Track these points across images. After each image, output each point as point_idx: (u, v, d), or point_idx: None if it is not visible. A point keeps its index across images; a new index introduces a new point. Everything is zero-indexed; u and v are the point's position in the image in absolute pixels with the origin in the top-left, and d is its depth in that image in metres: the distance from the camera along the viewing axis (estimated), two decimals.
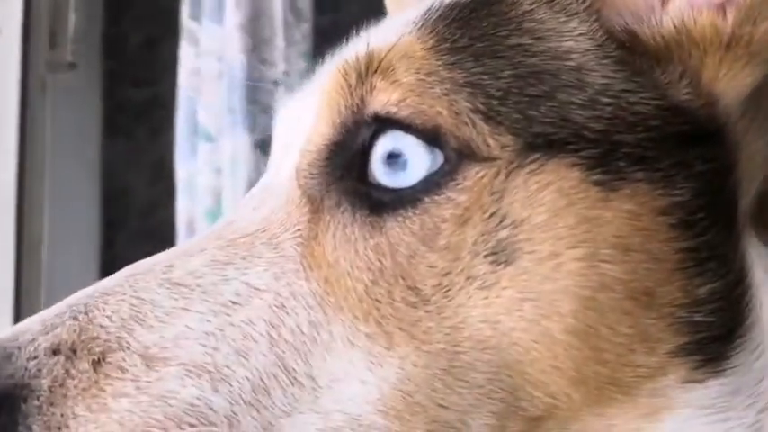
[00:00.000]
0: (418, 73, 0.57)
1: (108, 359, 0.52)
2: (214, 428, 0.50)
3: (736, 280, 0.57)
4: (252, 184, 2.18)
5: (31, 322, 0.54)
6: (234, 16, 2.23)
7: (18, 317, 1.99)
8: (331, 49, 2.38)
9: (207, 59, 2.29)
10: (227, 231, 0.58)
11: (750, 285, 0.58)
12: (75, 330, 0.53)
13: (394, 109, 0.56)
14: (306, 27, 2.25)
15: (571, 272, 0.54)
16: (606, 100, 0.57)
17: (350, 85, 0.58)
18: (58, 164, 2.23)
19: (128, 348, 0.52)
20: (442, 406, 0.53)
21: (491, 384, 0.54)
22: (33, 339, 0.52)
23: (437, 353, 0.54)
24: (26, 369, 0.51)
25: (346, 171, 0.58)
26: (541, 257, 0.54)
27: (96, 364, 0.52)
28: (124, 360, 0.52)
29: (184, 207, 2.31)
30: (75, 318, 0.53)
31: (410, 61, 0.58)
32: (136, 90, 3.07)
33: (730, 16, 0.57)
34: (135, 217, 3.02)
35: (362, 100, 0.57)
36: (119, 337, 0.52)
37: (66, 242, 2.75)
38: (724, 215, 0.58)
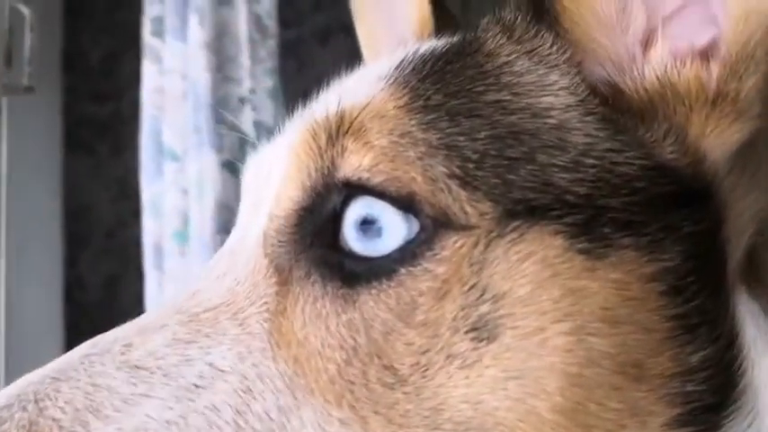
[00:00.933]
0: (391, 134, 0.54)
1: None
2: None
3: (727, 343, 0.55)
4: (219, 204, 2.17)
5: None
6: (198, 34, 2.20)
7: None
8: (295, 65, 2.34)
9: (171, 77, 2.26)
10: (189, 304, 0.54)
11: (741, 347, 0.56)
12: (24, 426, 0.48)
13: (366, 175, 0.53)
14: (271, 44, 2.23)
15: (557, 348, 0.51)
16: (590, 161, 0.54)
17: (320, 147, 0.55)
18: (19, 181, 2.18)
19: None
20: None
21: None
22: None
23: None
24: None
25: (317, 238, 0.54)
26: (525, 333, 0.51)
27: None
28: None
29: (151, 228, 2.28)
30: (24, 409, 0.49)
31: (383, 121, 0.54)
32: (96, 106, 3.03)
33: (715, 71, 0.55)
34: (98, 235, 2.98)
35: (333, 162, 0.54)
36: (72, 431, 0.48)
37: (29, 260, 2.71)
38: (713, 276, 0.56)
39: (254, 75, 2.20)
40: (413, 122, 0.54)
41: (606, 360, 0.51)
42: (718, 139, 0.56)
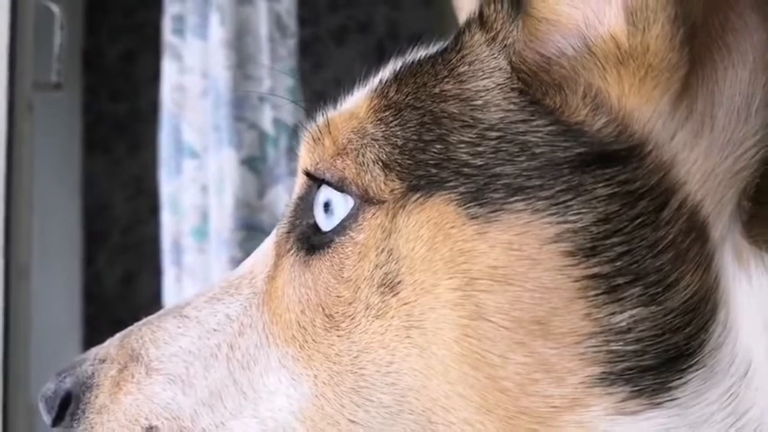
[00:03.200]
0: (351, 132, 0.64)
1: (128, 368, 0.69)
2: (181, 422, 0.65)
3: (685, 304, 0.54)
4: (238, 201, 2.20)
5: (101, 346, 0.72)
6: (219, 32, 2.22)
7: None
8: (311, 64, 2.37)
9: (191, 75, 2.29)
10: (231, 274, 0.72)
11: (716, 306, 0.54)
12: (115, 345, 0.71)
13: (319, 166, 0.65)
14: (291, 43, 2.25)
15: (448, 301, 0.57)
16: (494, 134, 0.58)
17: (310, 147, 0.67)
18: (40, 179, 2.21)
19: (139, 361, 0.69)
20: (352, 421, 0.61)
21: (400, 405, 0.59)
22: (95, 354, 0.71)
23: (344, 372, 0.61)
24: (85, 371, 0.71)
25: (301, 220, 0.67)
26: (422, 288, 0.58)
27: (120, 371, 0.69)
28: (135, 368, 0.68)
29: (169, 224, 2.30)
30: (120, 339, 0.71)
31: (352, 121, 0.64)
32: (114, 104, 3.06)
33: (620, 27, 0.55)
34: (116, 232, 3.00)
35: (317, 160, 0.66)
36: (138, 353, 0.69)
37: (48, 257, 2.73)
38: (668, 237, 0.54)
39: (274, 73, 2.22)
40: (371, 119, 0.63)
41: (499, 315, 0.55)
42: (639, 97, 0.56)
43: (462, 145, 0.59)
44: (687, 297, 0.54)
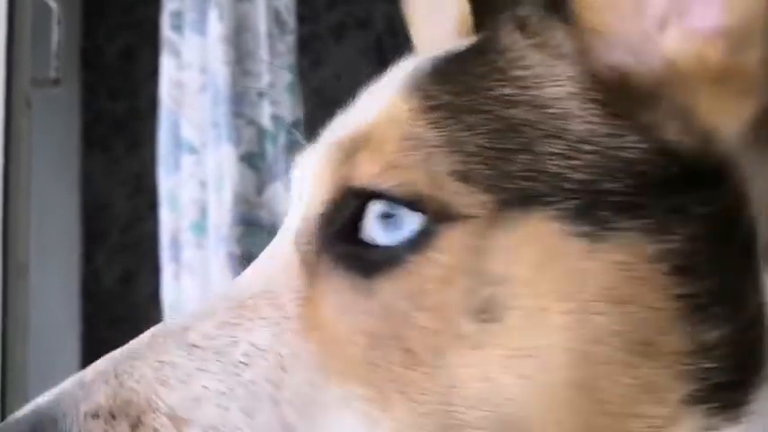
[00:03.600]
0: (401, 138, 0.58)
1: (143, 421, 0.56)
2: None
3: (752, 320, 0.56)
4: (237, 197, 2.19)
5: (73, 388, 0.58)
6: (217, 28, 2.22)
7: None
8: (310, 61, 2.36)
9: (189, 71, 2.28)
10: (235, 293, 0.61)
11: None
12: (110, 395, 0.57)
13: (375, 181, 0.57)
14: (290, 39, 2.25)
15: (560, 327, 0.53)
16: (588, 147, 0.55)
17: (337, 161, 0.60)
18: (38, 176, 2.21)
19: (158, 410, 0.56)
20: None
21: None
22: (76, 405, 0.56)
23: (431, 413, 0.54)
24: None
25: (339, 237, 0.59)
26: (529, 313, 0.53)
27: (135, 427, 0.56)
28: (155, 421, 0.56)
29: (168, 220, 2.30)
30: (107, 382, 0.57)
31: (395, 126, 0.58)
32: (113, 102, 3.05)
33: (719, 45, 0.55)
34: (115, 230, 3.00)
35: (349, 176, 0.59)
36: (148, 399, 0.56)
37: (47, 255, 2.73)
38: (735, 255, 0.56)
39: (273, 69, 2.22)
40: (420, 123, 0.58)
41: (613, 338, 0.53)
42: (726, 117, 0.56)
43: (554, 157, 0.55)
44: (753, 313, 0.56)
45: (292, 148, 2.18)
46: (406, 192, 0.56)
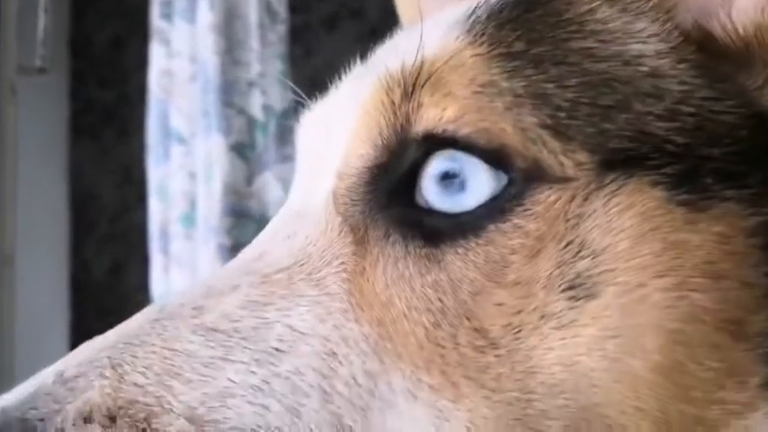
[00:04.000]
0: (473, 84, 0.51)
1: (154, 426, 0.45)
2: None
3: None
4: (227, 187, 2.17)
5: (49, 384, 0.46)
6: (207, 16, 2.19)
7: None
8: (302, 50, 2.34)
9: (179, 60, 2.26)
10: (259, 265, 0.51)
11: None
12: (107, 393, 0.45)
13: (451, 126, 0.50)
14: (281, 29, 2.22)
15: (658, 304, 0.48)
16: (688, 109, 0.51)
17: (393, 102, 0.51)
18: (26, 166, 2.18)
19: (172, 411, 0.45)
20: None
21: (567, 429, 0.48)
22: (60, 410, 0.45)
23: (509, 402, 0.48)
24: None
25: (393, 196, 0.51)
26: (626, 290, 0.48)
27: None
28: (171, 425, 0.45)
29: (157, 211, 2.28)
30: (102, 376, 0.46)
31: (462, 71, 0.51)
32: (102, 91, 3.02)
33: None
34: (104, 221, 2.97)
35: (408, 119, 0.51)
36: (158, 396, 0.46)
37: (35, 246, 2.70)
38: None
39: (263, 59, 2.20)
40: (495, 71, 0.51)
41: (708, 316, 0.49)
42: None
43: (654, 118, 0.50)
44: None
45: (282, 137, 2.16)
46: (491, 141, 0.49)
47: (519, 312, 0.48)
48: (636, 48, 0.53)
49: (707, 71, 0.52)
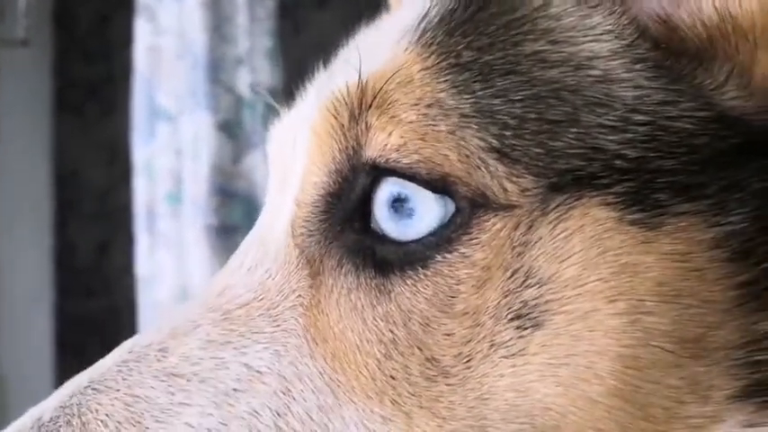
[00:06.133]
0: (419, 105, 0.49)
1: None
2: None
3: None
4: (214, 166, 2.14)
5: (27, 428, 0.49)
6: None
7: None
8: (292, 27, 2.30)
9: (166, 37, 2.22)
10: (221, 301, 0.52)
11: None
12: None
13: (394, 155, 0.49)
14: (270, 4, 2.18)
15: (610, 330, 0.47)
16: (641, 118, 0.48)
17: (342, 126, 0.50)
18: (7, 143, 2.14)
19: None
20: None
21: None
22: None
23: (461, 429, 0.48)
24: None
25: (347, 224, 0.51)
26: (575, 317, 0.47)
27: None
28: None
29: (143, 190, 2.24)
30: (68, 423, 0.49)
31: (408, 89, 0.49)
32: (87, 66, 2.98)
33: None
34: (88, 199, 2.94)
35: (358, 141, 0.50)
36: None
37: (18, 225, 2.67)
38: None
39: (252, 34, 2.16)
40: (442, 86, 0.49)
41: (663, 338, 0.48)
42: None
43: (604, 130, 0.48)
44: None
45: (272, 116, 2.13)
46: (433, 170, 0.48)
47: (469, 342, 0.48)
48: (589, 48, 0.50)
49: (663, 71, 0.50)
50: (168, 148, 2.20)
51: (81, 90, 2.98)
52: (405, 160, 0.48)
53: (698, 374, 0.48)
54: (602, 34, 0.50)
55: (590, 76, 0.49)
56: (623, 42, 0.50)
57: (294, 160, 0.54)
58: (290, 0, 2.56)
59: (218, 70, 2.15)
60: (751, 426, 0.49)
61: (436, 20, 0.52)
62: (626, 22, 0.51)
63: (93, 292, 2.78)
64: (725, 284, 0.48)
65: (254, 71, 2.16)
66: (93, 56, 2.96)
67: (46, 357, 2.73)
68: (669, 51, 0.50)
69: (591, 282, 0.47)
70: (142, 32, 2.26)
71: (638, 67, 0.50)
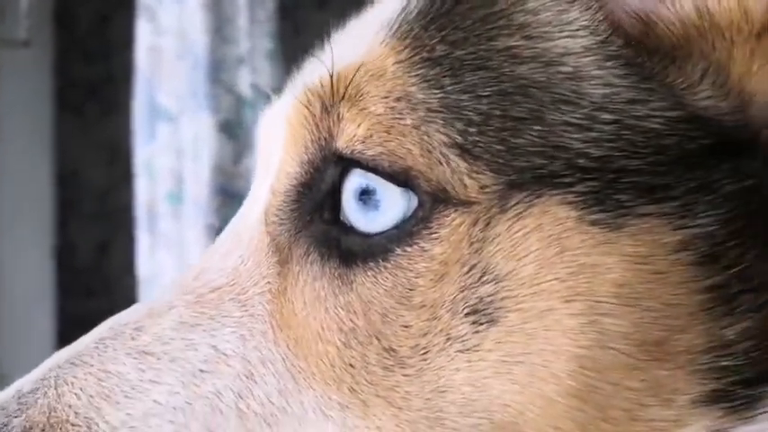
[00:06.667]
0: (388, 98, 0.49)
1: None
2: None
3: None
4: (215, 166, 2.14)
5: (8, 399, 0.51)
6: None
7: None
8: (292, 28, 2.30)
9: (166, 38, 2.22)
10: (196, 284, 0.53)
11: None
12: (44, 412, 0.50)
13: (359, 147, 0.49)
14: (270, 5, 2.19)
15: (566, 330, 0.47)
16: (607, 117, 0.48)
17: (314, 116, 0.51)
18: (10, 143, 2.15)
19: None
20: None
21: None
22: (7, 423, 0.50)
23: (418, 420, 0.48)
24: None
25: (317, 214, 0.51)
26: (530, 315, 0.47)
27: None
28: None
29: (144, 190, 2.25)
30: (45, 394, 0.51)
31: (380, 82, 0.50)
32: (87, 66, 2.98)
33: None
34: (88, 199, 2.94)
35: (330, 132, 0.51)
36: (87, 418, 0.50)
37: (19, 225, 2.67)
38: (764, 236, 0.49)
39: (253, 36, 2.17)
40: (413, 80, 0.50)
41: (622, 341, 0.47)
42: (765, 78, 0.49)
43: (569, 128, 0.48)
44: None
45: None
46: (394, 164, 0.49)
47: (426, 334, 0.48)
48: (563, 44, 0.50)
49: (634, 68, 0.49)
50: (169, 148, 2.21)
51: (81, 90, 2.98)
52: (369, 152, 0.49)
53: (660, 378, 0.48)
54: (577, 30, 0.50)
55: (560, 72, 0.49)
56: (597, 39, 0.50)
57: (277, 150, 0.55)
58: (291, 1, 2.56)
59: (218, 71, 2.16)
60: (718, 431, 0.49)
61: (414, 13, 0.52)
62: (601, 18, 0.50)
63: (94, 292, 2.78)
64: (690, 288, 0.48)
65: (255, 72, 2.17)
66: (93, 56, 2.97)
67: (46, 357, 2.72)
68: (642, 49, 0.50)
69: (547, 281, 0.47)
70: (143, 33, 2.27)
71: (609, 64, 0.49)
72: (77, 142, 2.97)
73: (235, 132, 2.17)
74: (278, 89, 0.61)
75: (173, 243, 2.20)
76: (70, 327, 2.83)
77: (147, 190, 2.24)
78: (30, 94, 2.82)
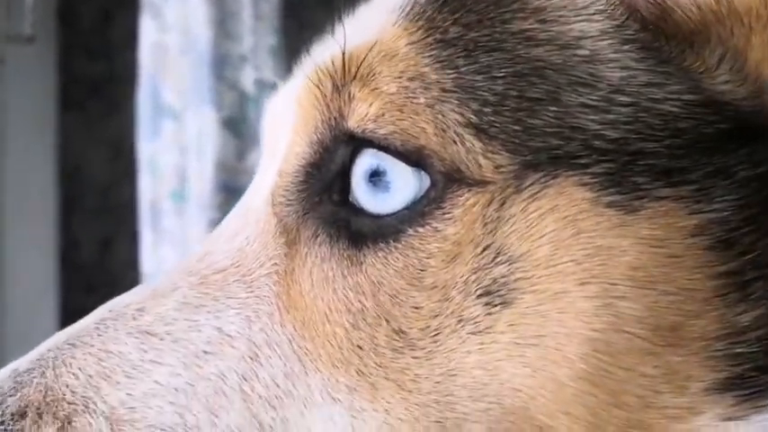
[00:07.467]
0: (401, 78, 0.49)
1: (73, 423, 0.48)
2: None
3: None
4: (219, 163, 2.14)
5: (3, 378, 0.50)
6: None
7: None
8: (296, 24, 2.30)
9: (171, 34, 2.22)
10: (200, 266, 0.52)
11: None
12: (41, 390, 0.49)
13: (371, 126, 0.49)
14: (274, 2, 2.19)
15: (580, 313, 0.46)
16: (624, 99, 0.48)
17: (325, 96, 0.51)
18: (12, 139, 2.15)
19: (94, 411, 0.48)
20: None
21: None
22: (2, 402, 0.49)
23: (427, 404, 0.48)
24: None
25: (325, 195, 0.51)
26: (544, 297, 0.47)
27: (62, 430, 0.48)
28: (90, 425, 0.48)
29: (148, 187, 2.25)
30: (42, 374, 0.50)
31: (393, 62, 0.50)
32: (91, 63, 2.98)
33: None
34: (91, 195, 2.94)
35: (341, 112, 0.50)
36: (84, 397, 0.49)
37: (22, 221, 2.67)
38: None
39: (256, 32, 2.16)
40: (426, 61, 0.49)
41: (636, 325, 0.47)
42: None
43: (586, 110, 0.48)
44: None
45: None
46: (408, 143, 0.48)
47: (437, 316, 0.48)
48: (578, 27, 0.50)
49: (651, 53, 0.49)
50: (173, 144, 2.20)
51: (85, 87, 2.98)
52: (381, 131, 0.49)
53: (674, 364, 0.48)
54: (593, 14, 0.50)
55: (576, 55, 0.49)
56: (614, 23, 0.50)
57: (284, 134, 0.55)
58: None
59: (222, 67, 2.15)
60: (730, 419, 0.48)
61: None
62: (617, 2, 0.50)
63: (97, 288, 2.78)
64: (705, 273, 0.48)
65: (259, 68, 2.17)
66: (96, 53, 2.97)
67: None
68: (659, 33, 0.50)
69: (562, 263, 0.47)
70: (147, 29, 2.26)
71: (626, 47, 0.49)
72: (81, 138, 2.97)
73: (238, 129, 2.17)
74: (281, 84, 0.61)
75: (176, 239, 2.20)
76: (73, 323, 2.83)
77: (151, 186, 2.24)
78: (33, 90, 2.82)
